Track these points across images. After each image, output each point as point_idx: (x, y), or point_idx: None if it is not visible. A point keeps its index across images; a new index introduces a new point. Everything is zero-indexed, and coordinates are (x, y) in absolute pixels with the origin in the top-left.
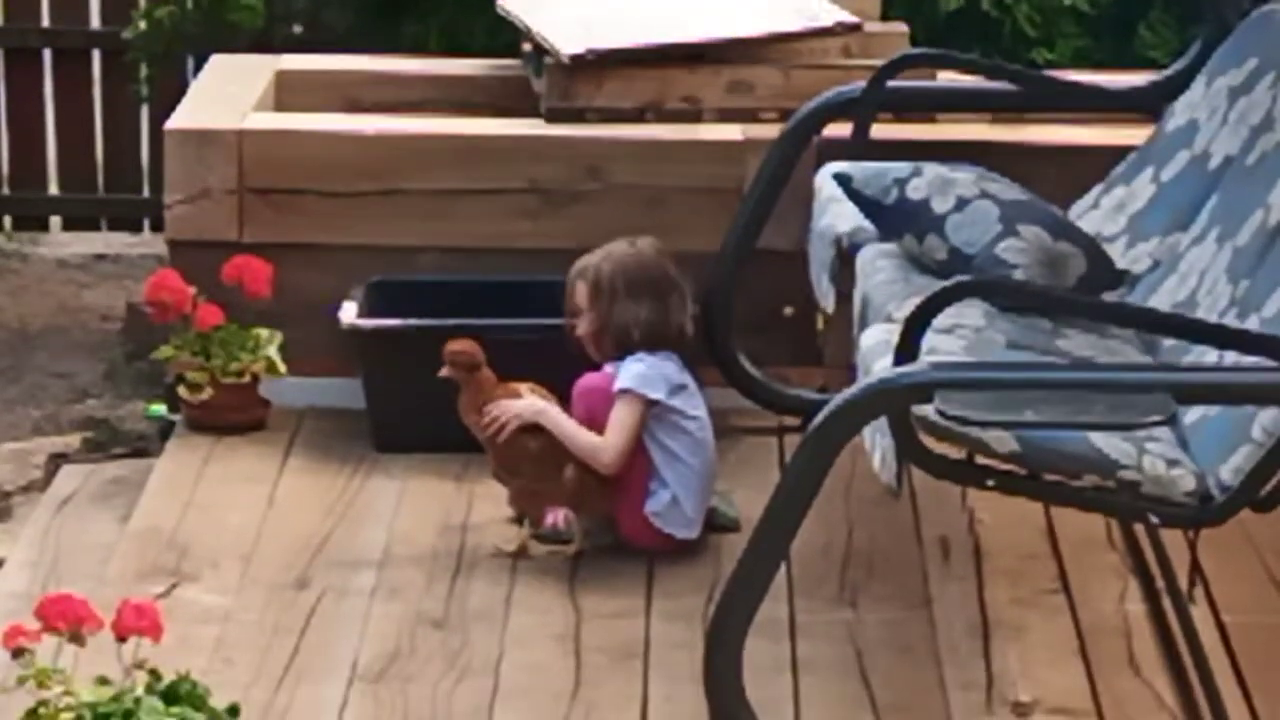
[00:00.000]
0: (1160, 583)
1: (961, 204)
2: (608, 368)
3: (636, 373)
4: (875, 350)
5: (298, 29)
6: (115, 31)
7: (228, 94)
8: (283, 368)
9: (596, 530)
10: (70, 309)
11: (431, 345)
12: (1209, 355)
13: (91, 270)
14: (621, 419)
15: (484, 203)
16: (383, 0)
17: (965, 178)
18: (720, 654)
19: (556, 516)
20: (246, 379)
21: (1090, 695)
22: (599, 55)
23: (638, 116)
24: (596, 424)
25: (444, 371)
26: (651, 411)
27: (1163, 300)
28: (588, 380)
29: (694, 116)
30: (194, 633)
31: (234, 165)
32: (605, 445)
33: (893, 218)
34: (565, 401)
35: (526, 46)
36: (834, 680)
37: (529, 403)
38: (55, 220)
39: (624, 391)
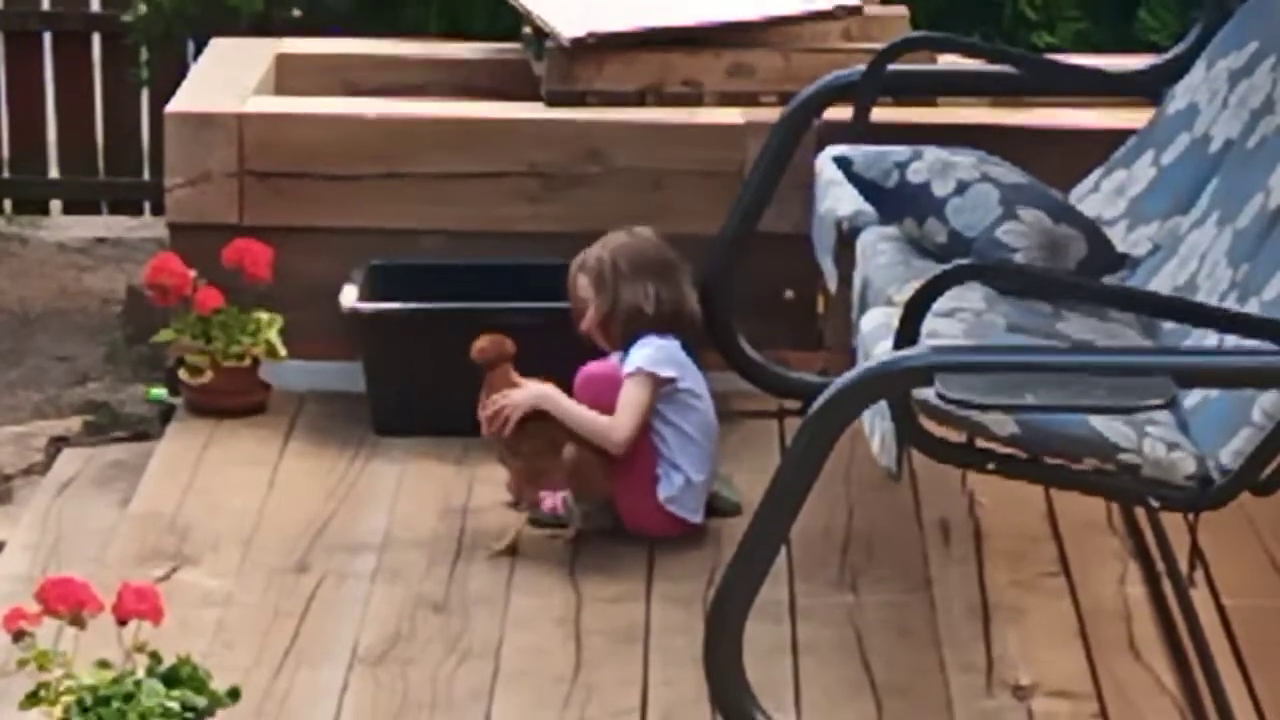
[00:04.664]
0: (1160, 566)
1: (962, 187)
2: (614, 357)
3: (645, 354)
4: (875, 334)
5: (297, 12)
6: (115, 14)
7: (228, 77)
8: (283, 351)
9: (595, 513)
10: (71, 292)
11: (432, 329)
12: (1209, 338)
13: (92, 253)
14: (633, 398)
15: (484, 186)
16: None
17: (965, 161)
18: (721, 637)
19: (555, 500)
20: (247, 362)
21: (1090, 678)
22: (599, 38)
23: (638, 100)
24: (601, 410)
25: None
26: (662, 392)
27: (1163, 283)
28: (592, 367)
29: (694, 100)
30: (194, 616)
31: (234, 148)
32: (616, 424)
33: (893, 201)
34: (568, 387)
35: (527, 30)
36: (834, 663)
37: (529, 391)
38: (56, 203)
39: (635, 371)
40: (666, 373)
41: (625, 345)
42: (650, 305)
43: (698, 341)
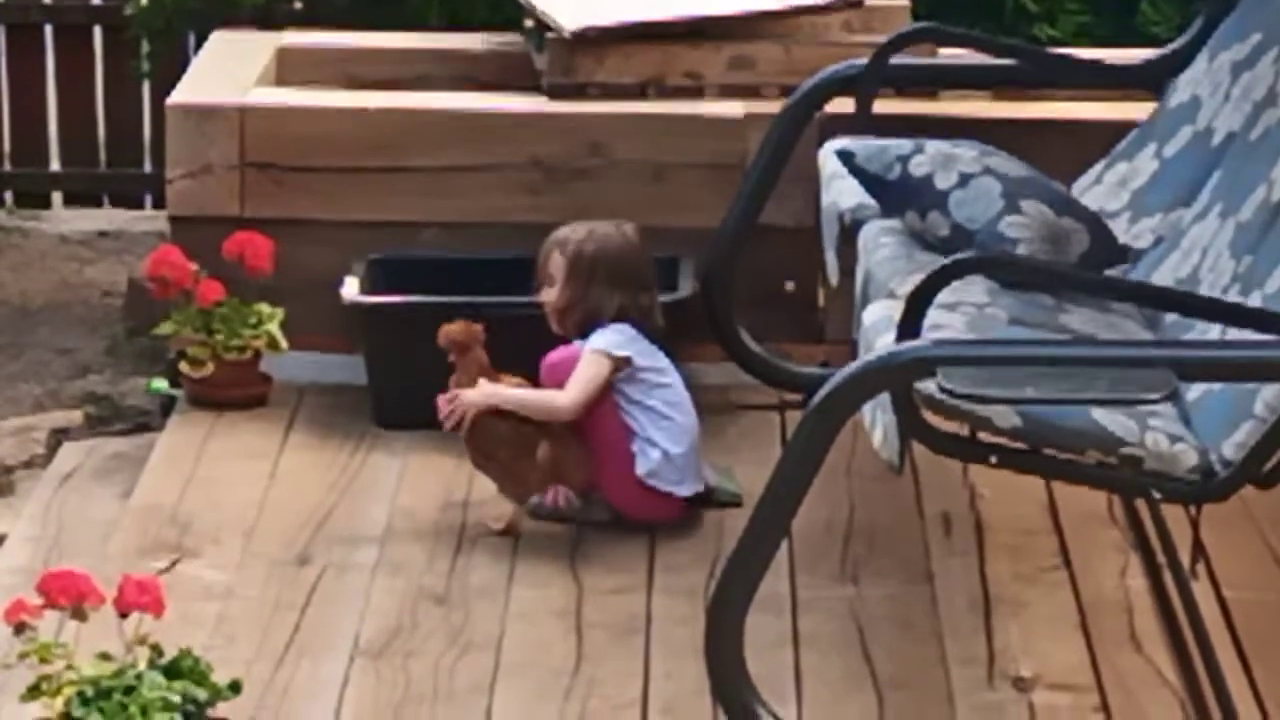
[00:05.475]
0: (1162, 558)
1: (964, 180)
2: (575, 344)
3: (604, 338)
4: (877, 326)
5: (299, 5)
6: (117, 7)
7: (229, 70)
8: (284, 343)
9: (594, 506)
10: (72, 285)
11: (433, 321)
12: (1211, 331)
13: (93, 246)
14: (583, 373)
15: (486, 179)
16: None
17: (968, 154)
18: (722, 630)
19: (558, 494)
20: (248, 355)
21: (1091, 670)
22: (601, 31)
23: (639, 92)
24: None
25: (451, 354)
26: (624, 374)
27: (1165, 276)
28: (556, 354)
29: (696, 92)
30: (196, 608)
31: (235, 141)
32: (562, 394)
33: (895, 194)
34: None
35: (528, 22)
36: (835, 655)
37: (481, 391)
38: (57, 196)
39: (592, 351)
40: (621, 352)
41: (581, 335)
42: (611, 313)
43: (696, 334)
